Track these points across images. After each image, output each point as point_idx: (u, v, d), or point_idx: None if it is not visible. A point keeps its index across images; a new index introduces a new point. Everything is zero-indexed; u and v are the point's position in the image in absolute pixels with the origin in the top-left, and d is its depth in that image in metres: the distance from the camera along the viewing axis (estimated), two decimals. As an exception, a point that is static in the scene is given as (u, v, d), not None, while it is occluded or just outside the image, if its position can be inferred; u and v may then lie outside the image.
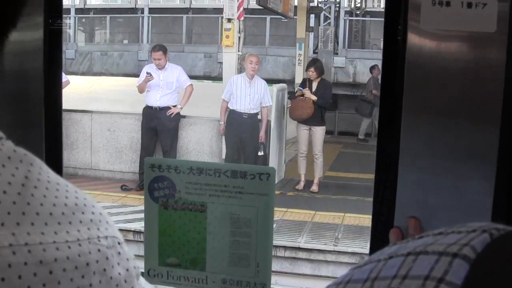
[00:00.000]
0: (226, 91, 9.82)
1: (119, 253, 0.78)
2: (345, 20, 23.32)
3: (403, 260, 0.54)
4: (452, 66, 1.31)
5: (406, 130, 1.36)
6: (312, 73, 10.12)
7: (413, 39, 1.33)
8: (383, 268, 0.55)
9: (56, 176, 0.76)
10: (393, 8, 1.37)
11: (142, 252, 1.70)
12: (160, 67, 9.82)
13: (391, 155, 1.38)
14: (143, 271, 1.67)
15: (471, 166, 1.34)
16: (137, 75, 10.71)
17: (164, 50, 9.96)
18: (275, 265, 7.69)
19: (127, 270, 0.78)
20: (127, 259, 0.79)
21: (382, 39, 1.49)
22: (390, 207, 1.39)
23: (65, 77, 9.86)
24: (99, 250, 0.73)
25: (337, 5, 23.32)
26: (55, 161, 1.78)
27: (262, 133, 9.77)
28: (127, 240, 7.05)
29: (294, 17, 16.02)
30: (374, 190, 1.44)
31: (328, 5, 22.97)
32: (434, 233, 0.57)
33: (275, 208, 6.11)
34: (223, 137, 10.04)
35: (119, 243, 0.79)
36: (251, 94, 9.63)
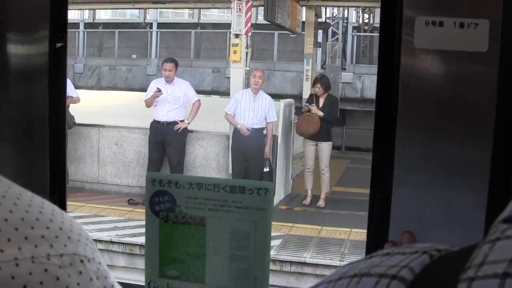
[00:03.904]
0: (230, 105, 9.85)
1: (80, 272, 0.70)
2: (353, 36, 23.38)
3: (348, 282, 0.56)
4: (446, 83, 1.34)
5: (400, 145, 1.38)
6: (318, 89, 10.14)
7: (407, 57, 1.36)
8: None
9: (5, 189, 0.71)
10: (388, 27, 1.40)
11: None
12: (169, 80, 9.86)
13: (386, 170, 1.40)
14: (144, 283, 1.69)
15: (464, 181, 1.36)
16: (145, 90, 10.76)
17: (176, 63, 10.03)
18: (281, 280, 7.69)
19: None
20: (90, 279, 0.72)
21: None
22: (384, 221, 1.42)
23: (75, 93, 9.87)
24: (45, 270, 0.66)
25: (345, 21, 23.39)
26: (59, 176, 1.81)
27: (267, 149, 9.77)
28: (133, 254, 6.99)
29: (302, 32, 16.06)
30: (369, 204, 1.46)
31: (336, 21, 23.06)
32: (383, 253, 0.59)
33: (282, 223, 6.07)
34: (230, 152, 10.06)
35: (81, 261, 0.71)
36: (255, 109, 9.64)
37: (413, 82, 1.36)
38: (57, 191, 1.80)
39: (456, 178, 1.37)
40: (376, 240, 1.45)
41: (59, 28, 1.76)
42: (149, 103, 9.91)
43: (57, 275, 0.67)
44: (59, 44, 1.76)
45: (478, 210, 1.34)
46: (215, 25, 26.45)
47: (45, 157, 1.78)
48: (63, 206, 1.78)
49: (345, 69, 21.22)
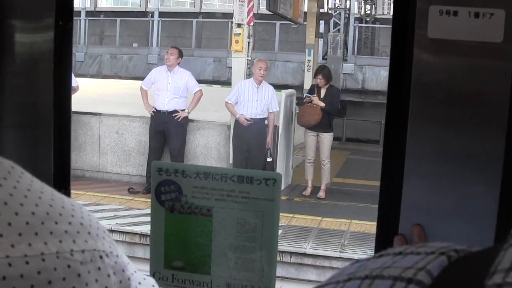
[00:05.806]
0: (232, 95, 9.81)
1: (99, 268, 0.70)
2: (354, 27, 23.31)
3: (359, 284, 0.52)
4: (458, 74, 1.32)
5: (412, 136, 1.36)
6: (320, 80, 10.14)
7: (420, 47, 1.33)
8: None
9: (29, 182, 0.70)
10: (401, 17, 1.38)
11: (148, 255, 1.71)
12: (170, 64, 9.91)
13: (397, 161, 1.39)
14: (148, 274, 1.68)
15: (476, 172, 1.34)
16: (146, 78, 10.75)
17: (180, 52, 10.10)
18: (281, 271, 7.68)
19: (106, 287, 0.71)
20: (108, 275, 0.72)
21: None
22: (395, 213, 1.40)
23: (75, 82, 9.85)
24: (69, 266, 0.66)
25: (347, 12, 23.34)
26: (63, 163, 1.79)
27: (269, 139, 9.77)
28: (133, 243, 7.01)
29: (304, 23, 16.01)
30: (380, 196, 1.44)
31: (338, 12, 23.00)
32: (395, 252, 0.55)
33: (282, 214, 6.06)
34: (231, 142, 10.05)
35: (101, 257, 0.71)
36: (258, 100, 9.63)
37: (426, 73, 1.34)
38: (61, 179, 1.78)
39: (468, 170, 1.35)
40: (386, 231, 1.43)
41: (65, 15, 1.74)
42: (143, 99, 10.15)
43: (78, 272, 0.67)
44: (64, 31, 1.75)
45: (490, 201, 1.32)
46: (217, 15, 26.37)
47: (49, 144, 1.76)
48: (68, 194, 1.77)
49: (346, 60, 21.19)
